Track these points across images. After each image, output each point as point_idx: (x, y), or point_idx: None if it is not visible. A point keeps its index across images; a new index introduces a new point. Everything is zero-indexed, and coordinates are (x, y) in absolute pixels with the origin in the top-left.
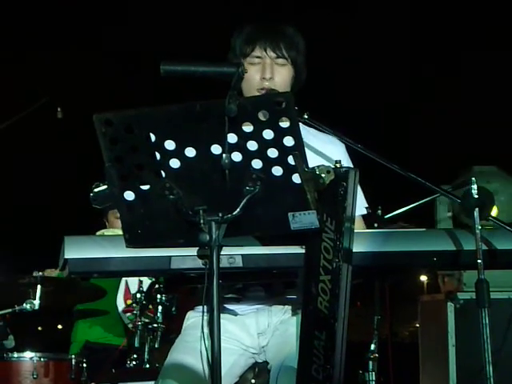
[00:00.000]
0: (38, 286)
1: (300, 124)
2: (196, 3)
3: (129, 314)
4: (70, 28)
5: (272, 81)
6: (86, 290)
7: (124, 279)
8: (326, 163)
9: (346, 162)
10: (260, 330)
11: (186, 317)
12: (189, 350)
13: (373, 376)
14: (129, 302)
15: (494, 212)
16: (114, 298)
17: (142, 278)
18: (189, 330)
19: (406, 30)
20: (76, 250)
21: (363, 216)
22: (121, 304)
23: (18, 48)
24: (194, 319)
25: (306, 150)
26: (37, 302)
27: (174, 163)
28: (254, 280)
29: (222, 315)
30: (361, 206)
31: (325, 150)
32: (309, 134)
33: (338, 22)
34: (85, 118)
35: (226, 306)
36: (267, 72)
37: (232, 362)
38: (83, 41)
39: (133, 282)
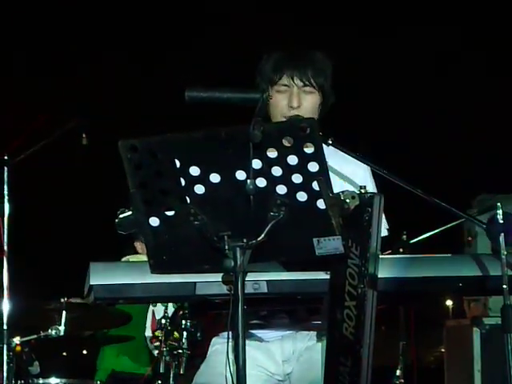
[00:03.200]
0: (63, 312)
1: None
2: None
3: (156, 343)
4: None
5: (299, 109)
6: (111, 316)
7: (151, 309)
8: (350, 186)
9: (371, 184)
10: (285, 357)
11: (211, 343)
12: (213, 376)
13: None
14: (157, 333)
15: None
16: (140, 323)
17: (166, 304)
18: (213, 356)
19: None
20: (101, 276)
21: (385, 237)
22: (148, 333)
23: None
24: (219, 345)
25: (332, 173)
26: (62, 328)
27: (199, 189)
28: (279, 306)
29: (246, 341)
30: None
31: (349, 171)
32: (336, 156)
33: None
34: (110, 144)
35: (250, 332)
36: (294, 101)
37: None
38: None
39: (159, 312)
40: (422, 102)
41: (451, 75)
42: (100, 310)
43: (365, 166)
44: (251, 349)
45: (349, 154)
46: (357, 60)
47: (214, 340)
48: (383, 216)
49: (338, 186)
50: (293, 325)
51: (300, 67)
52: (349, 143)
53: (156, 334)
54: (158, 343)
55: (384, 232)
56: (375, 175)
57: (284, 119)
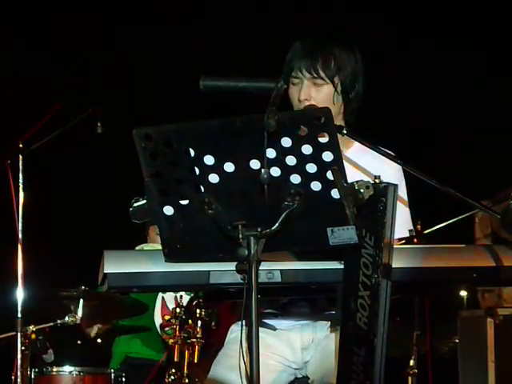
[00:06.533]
0: (80, 300)
1: (357, 144)
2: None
3: (167, 328)
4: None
5: (307, 102)
6: (128, 306)
7: (160, 295)
8: (365, 177)
9: (400, 185)
10: (304, 345)
11: (230, 330)
12: (230, 365)
13: None
14: (167, 317)
15: None
16: (152, 311)
17: (181, 293)
18: (231, 344)
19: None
20: (115, 264)
21: (405, 238)
22: (158, 320)
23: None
24: (237, 333)
25: (359, 171)
26: (78, 316)
27: (213, 178)
28: (293, 295)
29: (264, 330)
30: (404, 226)
31: (380, 171)
32: (366, 154)
33: None
34: (125, 132)
35: (266, 320)
36: (302, 94)
37: (274, 379)
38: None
39: (169, 298)
40: (438, 92)
41: (471, 66)
42: (116, 299)
43: (383, 158)
44: (270, 337)
45: (364, 144)
46: (378, 51)
47: (232, 327)
48: (409, 218)
49: (354, 177)
50: (312, 314)
51: (308, 59)
52: (364, 133)
53: (166, 318)
54: (168, 328)
55: (405, 233)
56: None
57: None
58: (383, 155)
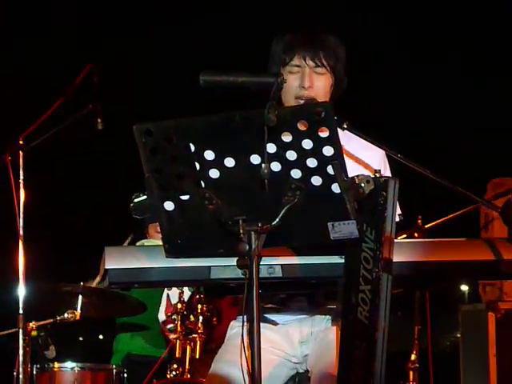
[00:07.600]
0: (79, 296)
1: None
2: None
3: (170, 325)
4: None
5: (311, 89)
6: (127, 304)
7: (165, 293)
8: (365, 170)
9: (383, 168)
10: (303, 339)
11: (230, 326)
12: (232, 360)
13: None
14: (173, 316)
15: None
16: (155, 312)
17: (182, 289)
18: (232, 339)
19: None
20: (116, 260)
21: (397, 223)
22: (162, 317)
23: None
24: (238, 329)
25: (347, 157)
26: (78, 312)
27: (214, 173)
28: (294, 290)
29: (264, 325)
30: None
31: (364, 156)
32: (350, 139)
33: None
34: (125, 128)
35: (267, 315)
36: (306, 81)
37: (275, 373)
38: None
39: (174, 295)
40: (435, 86)
41: (462, 58)
42: (115, 297)
43: (380, 150)
44: (270, 332)
45: (364, 139)
46: (369, 43)
47: (232, 323)
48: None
49: (353, 170)
50: (310, 309)
51: (312, 48)
52: (364, 127)
53: (169, 315)
54: (171, 325)
55: (396, 218)
56: (390, 159)
57: (296, 100)
58: (380, 147)
